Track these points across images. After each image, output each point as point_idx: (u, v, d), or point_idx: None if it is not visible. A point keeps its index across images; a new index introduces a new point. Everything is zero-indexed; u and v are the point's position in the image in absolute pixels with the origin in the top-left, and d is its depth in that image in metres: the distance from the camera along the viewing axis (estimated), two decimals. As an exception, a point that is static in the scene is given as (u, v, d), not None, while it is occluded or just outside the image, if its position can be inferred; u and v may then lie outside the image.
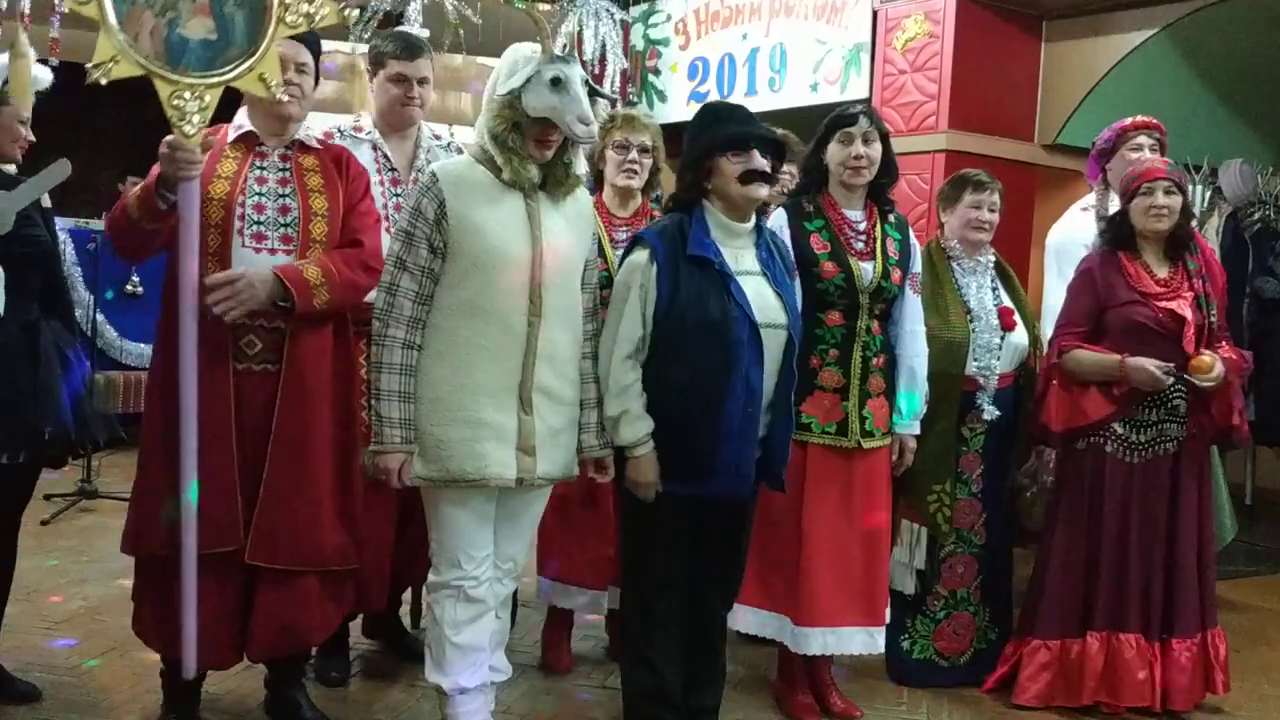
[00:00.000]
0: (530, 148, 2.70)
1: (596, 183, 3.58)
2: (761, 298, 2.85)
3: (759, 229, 2.95)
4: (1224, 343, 3.46)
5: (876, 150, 3.24)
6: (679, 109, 6.91)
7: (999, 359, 3.54)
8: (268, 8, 2.66)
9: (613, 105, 3.79)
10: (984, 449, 3.60)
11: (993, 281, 3.65)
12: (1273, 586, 5.23)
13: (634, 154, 3.47)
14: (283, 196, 2.87)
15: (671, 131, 6.80)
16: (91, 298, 6.26)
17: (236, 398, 2.78)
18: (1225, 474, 4.77)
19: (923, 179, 5.37)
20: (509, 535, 2.87)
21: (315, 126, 3.06)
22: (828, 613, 3.22)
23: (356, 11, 5.84)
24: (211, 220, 2.75)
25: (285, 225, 2.85)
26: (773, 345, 2.84)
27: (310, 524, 2.84)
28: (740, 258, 2.89)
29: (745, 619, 3.30)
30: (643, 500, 2.86)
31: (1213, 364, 3.30)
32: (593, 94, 2.73)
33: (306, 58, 2.92)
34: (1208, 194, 5.95)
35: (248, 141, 2.90)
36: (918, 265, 3.40)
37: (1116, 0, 5.29)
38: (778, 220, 3.23)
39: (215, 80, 2.64)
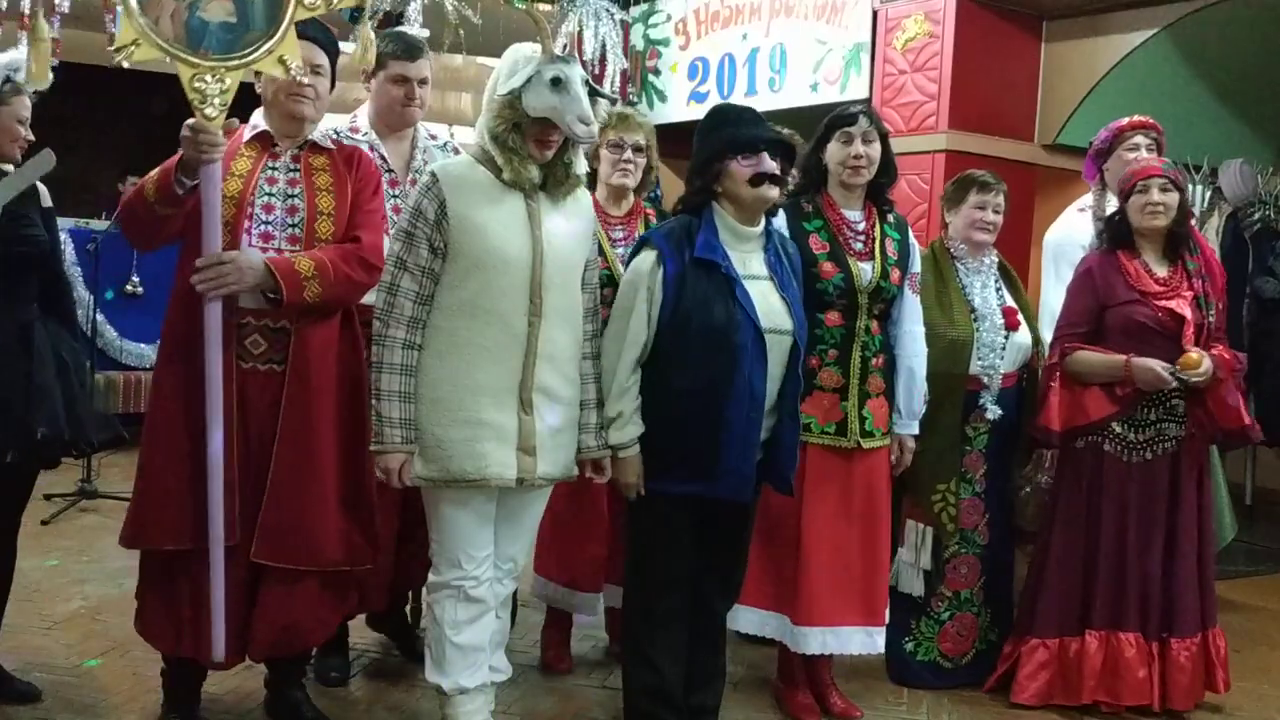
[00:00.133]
0: (530, 148, 2.70)
1: (590, 182, 3.58)
2: (767, 303, 2.85)
3: (768, 233, 2.95)
4: (1219, 344, 3.46)
5: (876, 150, 3.24)
6: (679, 109, 6.91)
7: (1003, 358, 3.54)
8: None
9: (613, 105, 3.79)
10: (987, 448, 3.60)
11: (996, 281, 3.65)
12: (1273, 586, 5.23)
13: (628, 153, 3.46)
14: (291, 197, 2.87)
15: (672, 131, 6.78)
16: (91, 298, 6.26)
17: (241, 397, 2.77)
18: (1225, 474, 4.77)
19: (923, 179, 5.37)
20: (509, 535, 2.88)
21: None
22: (827, 612, 3.22)
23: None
24: (222, 217, 2.75)
25: (293, 226, 2.85)
26: (777, 350, 2.84)
27: (316, 524, 2.84)
28: (748, 262, 2.89)
29: (745, 619, 3.30)
30: (639, 498, 2.87)
31: (1200, 360, 3.30)
32: (593, 94, 2.73)
33: (322, 59, 2.93)
34: (1208, 194, 5.95)
35: (262, 141, 2.91)
36: (917, 265, 3.40)
37: (1116, 0, 5.29)
38: (777, 221, 3.23)
39: (235, 63, 2.65)
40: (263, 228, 2.82)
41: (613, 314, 2.93)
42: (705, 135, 2.93)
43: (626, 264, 3.04)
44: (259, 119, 2.94)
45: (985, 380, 3.53)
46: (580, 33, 6.62)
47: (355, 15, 5.73)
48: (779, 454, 2.93)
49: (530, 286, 2.71)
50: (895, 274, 3.27)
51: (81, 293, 6.13)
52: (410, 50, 3.37)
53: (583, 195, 2.90)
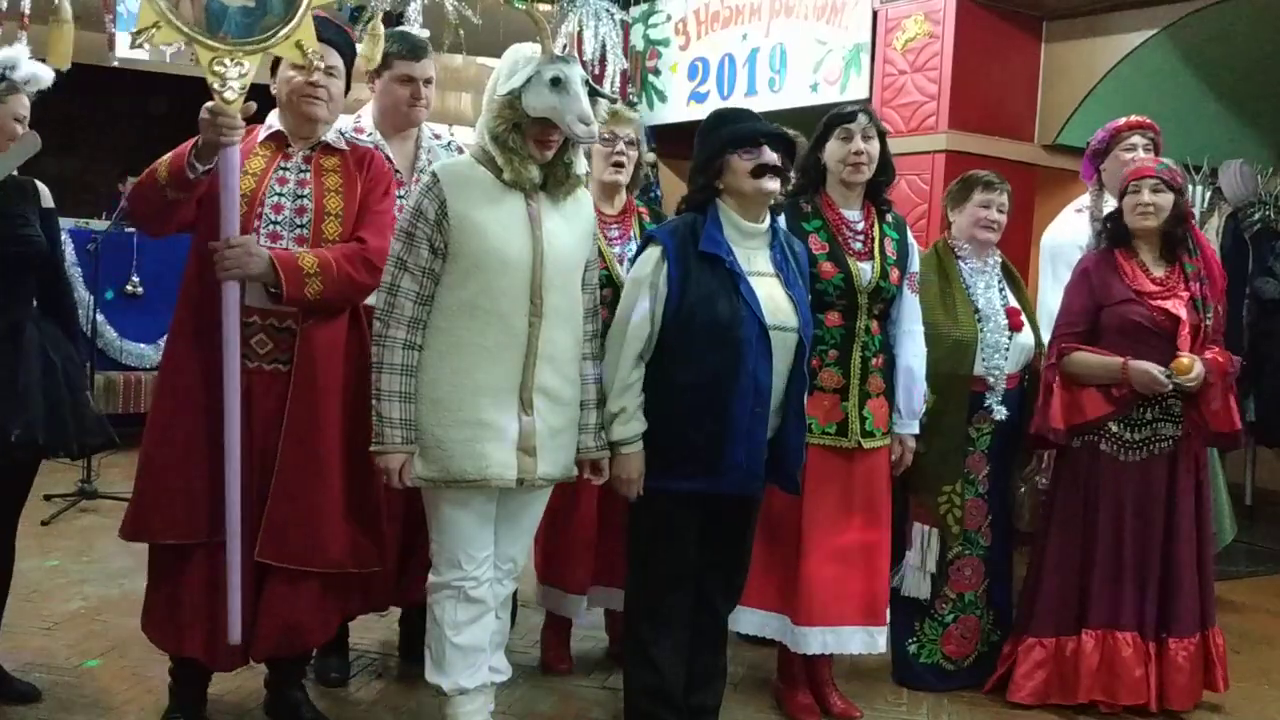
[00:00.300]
0: (531, 148, 2.71)
1: None
2: (773, 300, 2.85)
3: (773, 230, 2.96)
4: (1215, 346, 3.46)
5: (875, 147, 3.25)
6: (679, 109, 6.91)
7: (1007, 359, 3.54)
8: None
9: (613, 105, 3.79)
10: (990, 449, 3.60)
11: (1000, 282, 3.65)
12: (1273, 587, 5.23)
13: (620, 146, 3.46)
14: (300, 198, 2.88)
15: (672, 132, 6.75)
16: (91, 298, 6.26)
17: (246, 397, 2.77)
18: (1225, 474, 4.77)
19: (923, 179, 5.37)
20: (509, 536, 2.88)
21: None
22: (827, 612, 3.22)
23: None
24: None
25: (300, 226, 2.85)
26: (782, 347, 2.84)
27: (320, 525, 2.84)
28: (753, 258, 2.90)
29: (746, 619, 3.30)
30: (641, 497, 2.87)
31: (1191, 365, 3.31)
32: (593, 94, 2.73)
33: (336, 60, 2.93)
34: (1208, 194, 5.95)
35: (277, 141, 2.92)
36: (915, 265, 3.40)
37: (1116, 0, 5.29)
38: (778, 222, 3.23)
39: (253, 47, 2.67)
40: (271, 227, 2.82)
41: (617, 310, 2.93)
42: (706, 135, 2.94)
43: (631, 261, 3.04)
44: (274, 119, 2.96)
45: (990, 381, 3.53)
46: (580, 33, 6.61)
47: (355, 15, 5.74)
48: (785, 453, 2.93)
49: (530, 287, 2.71)
50: (894, 274, 3.27)
51: (81, 293, 6.13)
52: (415, 50, 3.37)
53: (583, 196, 2.90)
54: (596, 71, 6.59)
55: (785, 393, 2.89)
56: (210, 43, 2.64)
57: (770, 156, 2.84)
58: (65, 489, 5.38)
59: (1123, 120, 3.91)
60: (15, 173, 3.06)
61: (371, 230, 2.90)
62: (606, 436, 2.88)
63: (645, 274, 2.87)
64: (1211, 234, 5.86)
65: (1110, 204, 3.72)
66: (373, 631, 3.77)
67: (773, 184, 2.85)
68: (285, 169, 2.89)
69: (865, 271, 3.23)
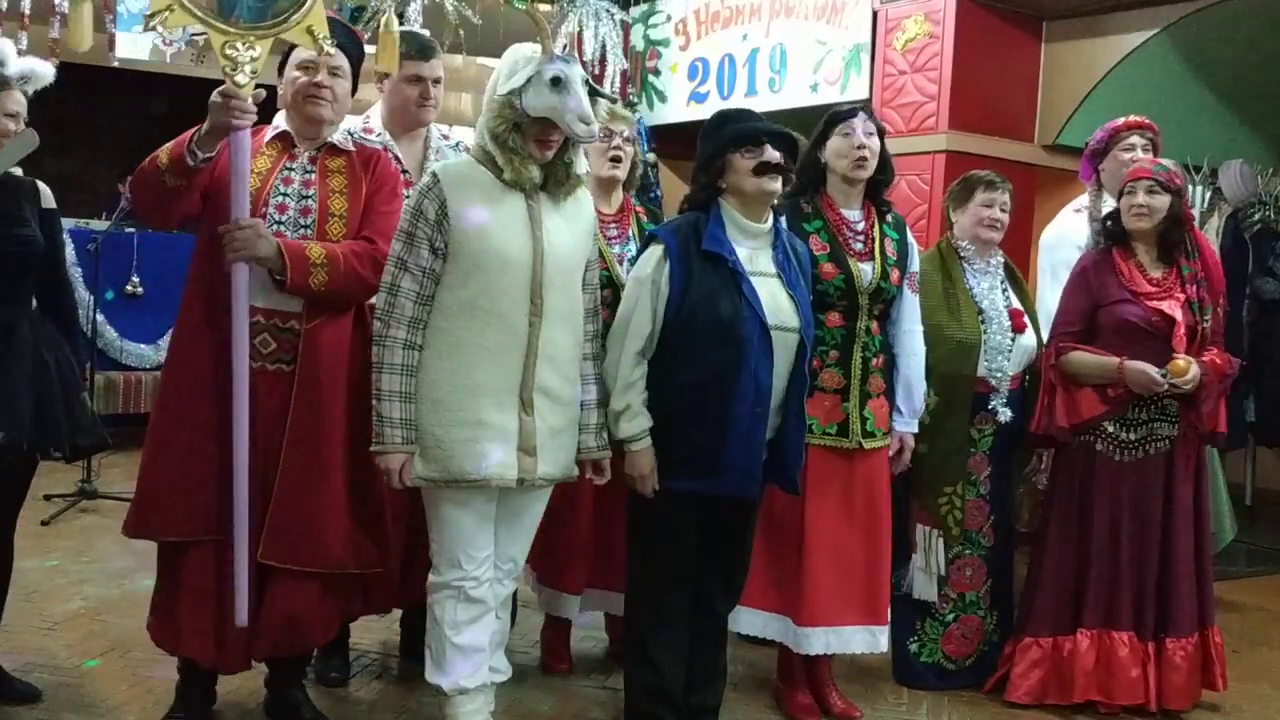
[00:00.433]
0: (531, 148, 2.71)
1: None
2: (774, 300, 2.85)
3: (776, 230, 2.96)
4: (1215, 348, 3.46)
5: (876, 144, 3.25)
6: (679, 109, 6.91)
7: (1010, 361, 3.55)
8: None
9: (613, 105, 3.79)
10: (992, 450, 3.60)
11: (1003, 283, 3.65)
12: (1273, 587, 5.23)
13: (618, 141, 3.46)
14: (305, 198, 2.88)
15: (672, 132, 6.75)
16: (91, 298, 6.25)
17: (249, 396, 2.76)
18: (1225, 474, 4.77)
19: (923, 179, 5.37)
20: (509, 536, 2.88)
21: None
22: (829, 612, 3.22)
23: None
24: None
25: (305, 226, 2.85)
26: (783, 347, 2.85)
27: (323, 526, 2.84)
28: (755, 258, 2.90)
29: (747, 620, 3.30)
30: (644, 495, 2.87)
31: (1187, 367, 3.32)
32: (593, 94, 2.73)
33: (341, 61, 2.93)
34: (1208, 194, 5.95)
35: (283, 141, 2.93)
36: (915, 265, 3.40)
37: (1117, 0, 5.29)
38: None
39: (265, 31, 2.68)
40: (275, 227, 2.81)
41: (619, 308, 2.94)
42: (708, 134, 2.95)
43: (632, 261, 3.04)
44: (280, 120, 2.96)
45: (994, 382, 3.53)
46: (580, 33, 6.61)
47: (356, 15, 5.74)
48: (785, 454, 2.94)
49: (531, 287, 2.71)
50: (895, 274, 3.28)
51: (81, 293, 6.13)
52: (425, 50, 3.38)
53: (583, 195, 2.90)
54: (596, 71, 6.59)
55: (786, 393, 2.89)
56: (223, 26, 2.65)
57: (772, 155, 2.84)
58: (65, 489, 5.38)
59: (1121, 120, 3.91)
60: (21, 172, 3.06)
61: (379, 231, 2.90)
62: (614, 434, 2.88)
63: (647, 273, 2.87)
64: (1211, 234, 5.86)
65: (1109, 204, 3.73)
66: (373, 631, 3.77)
67: (774, 183, 2.86)
68: (290, 169, 2.89)
69: (866, 273, 3.23)
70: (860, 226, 3.30)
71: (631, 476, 2.88)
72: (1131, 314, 3.41)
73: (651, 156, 6.56)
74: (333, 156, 2.94)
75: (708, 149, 2.92)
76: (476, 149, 2.78)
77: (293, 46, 2.92)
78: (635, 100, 7.02)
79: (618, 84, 6.74)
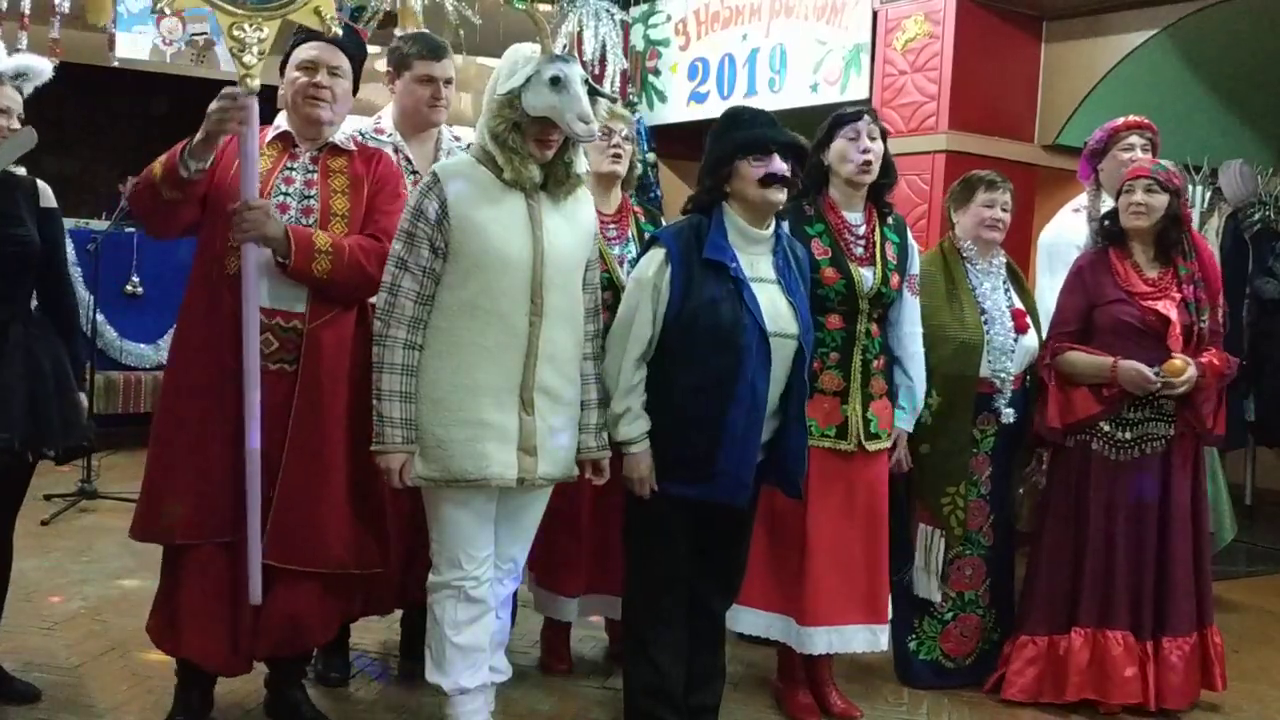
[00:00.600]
0: (531, 147, 2.71)
1: None
2: (774, 306, 2.85)
3: (777, 236, 2.95)
4: (1213, 349, 3.46)
5: (880, 147, 3.25)
6: (679, 109, 6.91)
7: (1012, 361, 3.55)
8: None
9: (613, 105, 3.79)
10: (993, 450, 3.60)
11: (1005, 284, 3.66)
12: (1273, 587, 5.23)
13: (617, 139, 3.45)
14: (307, 198, 2.87)
15: (672, 132, 6.75)
16: (91, 298, 6.25)
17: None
18: (1225, 474, 4.77)
19: (923, 179, 5.37)
20: (509, 536, 2.88)
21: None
22: (831, 612, 3.23)
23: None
24: None
25: (307, 226, 2.84)
26: (780, 354, 2.84)
27: (324, 525, 2.83)
28: (756, 264, 2.89)
29: (749, 621, 3.30)
30: (642, 496, 2.87)
31: (1184, 368, 3.33)
32: (593, 94, 2.73)
33: (341, 61, 2.93)
34: (1208, 194, 5.95)
35: (284, 141, 2.92)
36: (915, 267, 3.40)
37: (1116, 0, 5.29)
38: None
39: (272, 12, 2.68)
40: None
41: (619, 311, 2.93)
42: (718, 136, 2.93)
43: (631, 263, 3.03)
44: (282, 120, 2.96)
45: (997, 383, 3.53)
46: (580, 33, 6.61)
47: (356, 14, 5.74)
48: (785, 457, 2.93)
49: (531, 286, 2.71)
50: (895, 279, 3.28)
51: (81, 293, 6.12)
52: (435, 50, 3.38)
53: (583, 195, 2.90)
54: (596, 71, 6.59)
55: (785, 398, 2.89)
56: (230, 8, 2.65)
57: (779, 166, 2.82)
58: (65, 489, 5.38)
59: (1120, 120, 3.91)
60: (21, 170, 3.05)
61: (382, 231, 2.89)
62: (613, 436, 2.88)
63: (649, 276, 2.86)
64: (1211, 234, 5.86)
65: (1108, 204, 3.73)
66: (373, 631, 3.77)
67: (780, 194, 2.85)
68: (292, 169, 2.89)
69: (867, 278, 3.23)
70: (862, 230, 3.29)
71: (629, 478, 2.88)
72: (1127, 314, 3.41)
73: (651, 156, 6.56)
74: (334, 156, 2.94)
75: (715, 151, 2.90)
76: (476, 149, 2.78)
77: (293, 47, 2.92)
78: (635, 100, 7.02)
79: (618, 84, 6.74)
